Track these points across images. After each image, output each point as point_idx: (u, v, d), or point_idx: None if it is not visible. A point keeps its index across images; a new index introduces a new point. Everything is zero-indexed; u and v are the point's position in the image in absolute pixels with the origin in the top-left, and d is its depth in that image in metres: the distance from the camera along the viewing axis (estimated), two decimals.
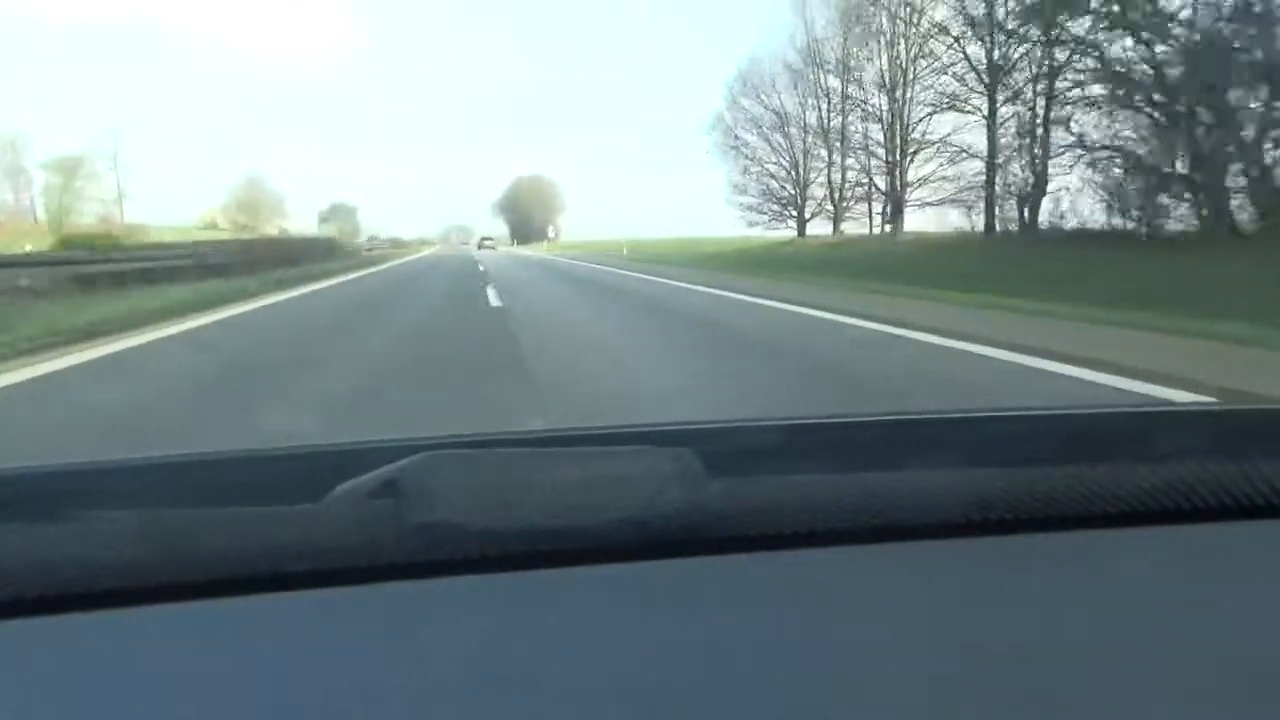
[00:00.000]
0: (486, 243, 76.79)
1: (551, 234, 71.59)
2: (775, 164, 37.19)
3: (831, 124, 34.85)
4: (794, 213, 36.86)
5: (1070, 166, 19.94)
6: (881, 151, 32.13)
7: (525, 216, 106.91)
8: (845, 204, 35.00)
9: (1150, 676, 0.55)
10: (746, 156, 37.61)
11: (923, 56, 28.55)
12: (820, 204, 36.30)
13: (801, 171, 36.64)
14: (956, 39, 24.67)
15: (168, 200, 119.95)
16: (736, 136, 37.83)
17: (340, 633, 0.58)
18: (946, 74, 25.80)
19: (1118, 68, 17.48)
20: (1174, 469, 0.71)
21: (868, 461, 0.73)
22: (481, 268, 23.74)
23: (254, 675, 0.54)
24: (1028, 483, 0.70)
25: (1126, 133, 18.01)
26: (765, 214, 37.57)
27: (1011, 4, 21.14)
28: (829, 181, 35.57)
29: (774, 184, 37.39)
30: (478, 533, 0.63)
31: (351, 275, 20.99)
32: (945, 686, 0.53)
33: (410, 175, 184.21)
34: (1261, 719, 0.52)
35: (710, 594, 0.63)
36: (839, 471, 0.72)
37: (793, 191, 36.98)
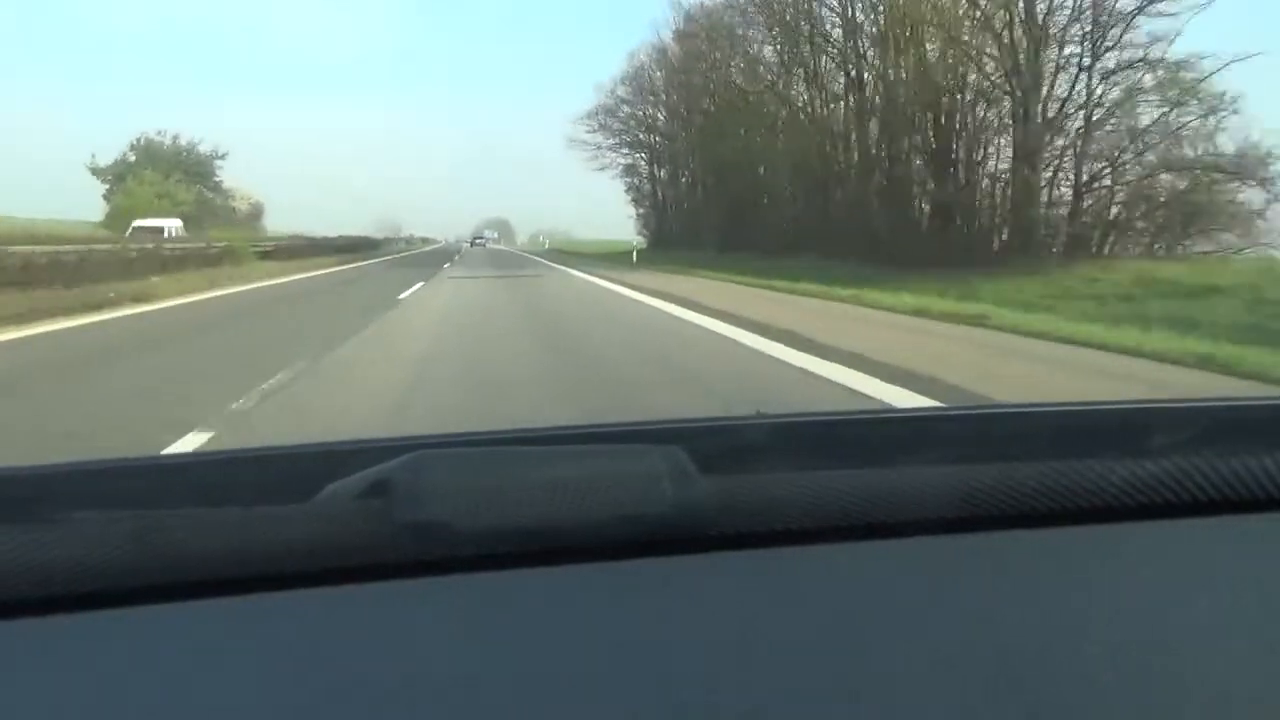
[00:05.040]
0: (478, 241, 79.25)
1: None
2: None
3: None
4: None
5: None
6: None
7: None
8: None
9: (1136, 668, 0.55)
10: None
11: None
12: None
13: None
14: None
15: None
16: None
17: (332, 632, 0.58)
18: None
19: None
20: (1159, 464, 0.71)
21: (857, 459, 0.74)
22: None
23: (246, 674, 0.54)
24: (1014, 479, 0.70)
25: None
26: None
27: None
28: None
29: None
30: (468, 532, 0.63)
31: None
32: (934, 680, 0.53)
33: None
34: (1245, 708, 0.52)
35: (702, 591, 0.63)
36: (829, 469, 0.72)
37: None
